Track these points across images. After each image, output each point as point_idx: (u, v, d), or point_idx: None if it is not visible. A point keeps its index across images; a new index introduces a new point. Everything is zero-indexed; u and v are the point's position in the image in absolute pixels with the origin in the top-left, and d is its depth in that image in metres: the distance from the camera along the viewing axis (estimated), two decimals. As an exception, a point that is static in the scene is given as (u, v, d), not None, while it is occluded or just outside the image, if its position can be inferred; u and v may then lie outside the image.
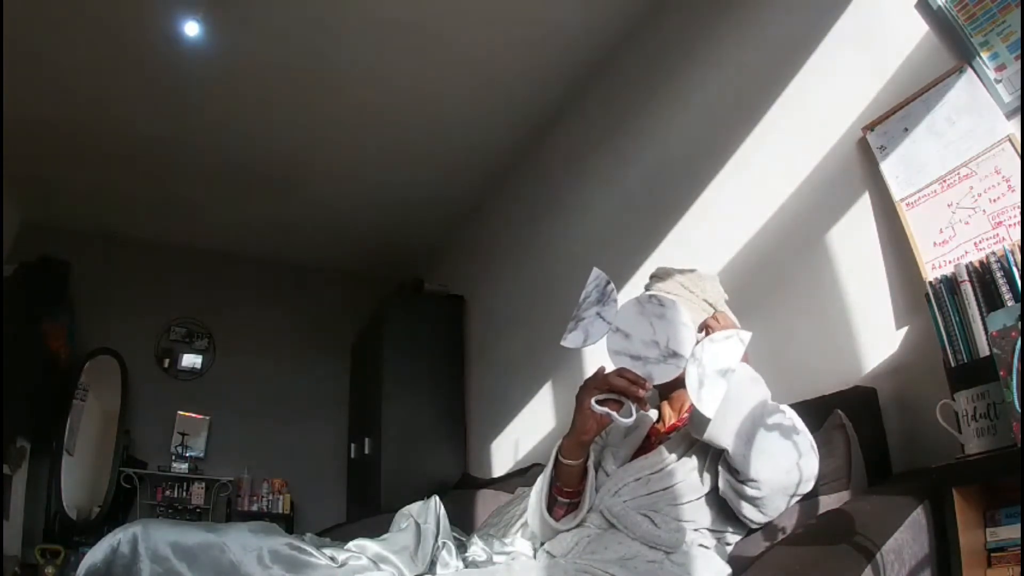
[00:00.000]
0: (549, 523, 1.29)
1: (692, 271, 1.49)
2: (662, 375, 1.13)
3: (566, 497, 1.29)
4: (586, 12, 2.85)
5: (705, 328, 1.33)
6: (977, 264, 1.31)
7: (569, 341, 1.19)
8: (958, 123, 1.55)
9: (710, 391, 1.08)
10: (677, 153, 2.54)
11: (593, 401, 1.15)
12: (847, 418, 1.37)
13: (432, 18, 2.87)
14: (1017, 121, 1.45)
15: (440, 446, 3.82)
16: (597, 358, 1.24)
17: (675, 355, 1.12)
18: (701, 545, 1.15)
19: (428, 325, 4.09)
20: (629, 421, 1.13)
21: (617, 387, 1.14)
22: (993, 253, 1.31)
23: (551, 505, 1.31)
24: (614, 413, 1.13)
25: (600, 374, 1.17)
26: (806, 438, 1.16)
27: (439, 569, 1.38)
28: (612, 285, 1.18)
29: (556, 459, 1.29)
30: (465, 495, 2.83)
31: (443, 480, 3.62)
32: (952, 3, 1.57)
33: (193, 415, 4.37)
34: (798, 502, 1.21)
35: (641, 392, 1.13)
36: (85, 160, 3.80)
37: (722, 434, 1.12)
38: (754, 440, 1.11)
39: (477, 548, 1.53)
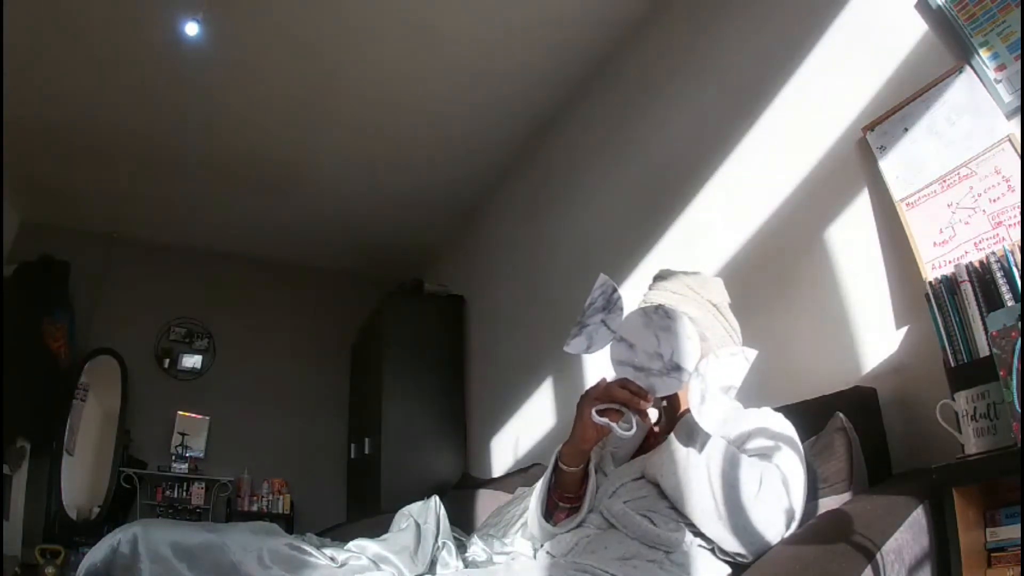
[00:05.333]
0: (547, 529, 1.29)
1: (696, 273, 1.49)
2: (664, 388, 1.12)
3: (567, 503, 1.29)
4: (586, 12, 2.85)
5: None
6: (977, 264, 1.31)
7: (572, 347, 1.18)
8: (958, 123, 1.55)
9: (712, 407, 1.08)
10: (677, 153, 2.54)
11: (594, 411, 1.14)
12: (848, 420, 1.37)
13: (432, 18, 2.87)
14: (1017, 121, 1.45)
15: (440, 446, 3.82)
16: (597, 359, 1.24)
17: (678, 369, 1.10)
18: (700, 545, 1.15)
19: (428, 325, 4.09)
20: (629, 434, 1.13)
21: (619, 398, 1.13)
22: (993, 253, 1.30)
23: (552, 511, 1.31)
24: (614, 425, 1.12)
25: (602, 384, 1.16)
26: (772, 486, 1.12)
27: (439, 569, 1.38)
28: (619, 293, 1.17)
29: (555, 465, 1.29)
30: (465, 495, 2.83)
31: (443, 480, 3.62)
32: (952, 3, 1.57)
33: (193, 415, 4.37)
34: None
35: (643, 404, 1.12)
36: (85, 160, 3.80)
37: (708, 524, 1.12)
38: (747, 525, 1.09)
39: (477, 548, 1.53)
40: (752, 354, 1.12)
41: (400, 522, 1.56)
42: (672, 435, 1.18)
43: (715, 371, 1.11)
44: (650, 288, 1.47)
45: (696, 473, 1.11)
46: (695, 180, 2.40)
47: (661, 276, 1.49)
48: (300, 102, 3.37)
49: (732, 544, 1.10)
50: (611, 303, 1.17)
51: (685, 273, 1.47)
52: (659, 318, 1.13)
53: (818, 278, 1.85)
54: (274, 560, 1.12)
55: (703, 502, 1.11)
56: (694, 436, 1.14)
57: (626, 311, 1.16)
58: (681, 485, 1.13)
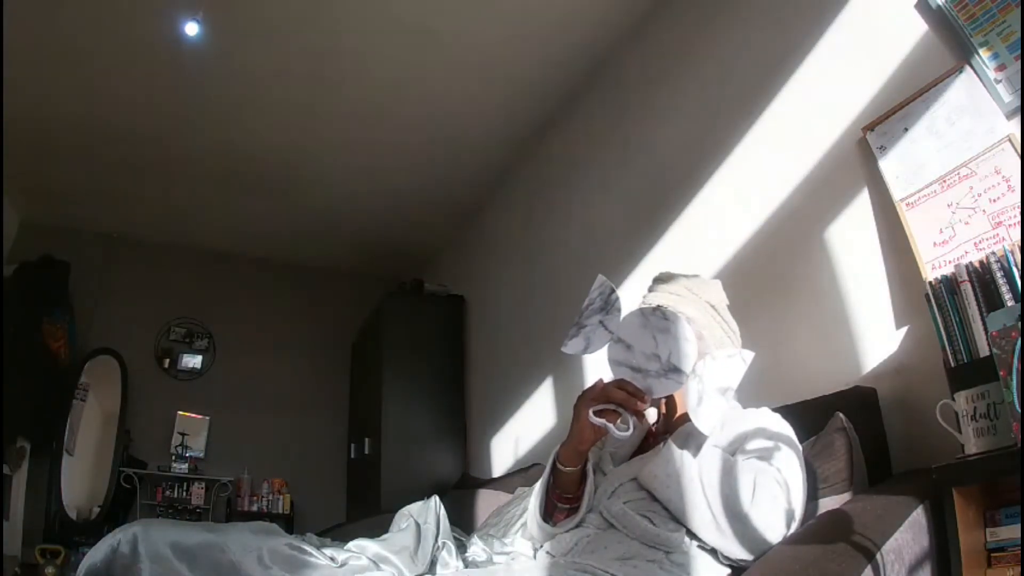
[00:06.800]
0: (547, 529, 1.29)
1: (695, 276, 1.49)
2: (662, 389, 1.12)
3: (566, 503, 1.29)
4: (586, 13, 2.85)
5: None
6: (977, 264, 1.31)
7: (570, 348, 1.18)
8: (958, 123, 1.55)
9: (709, 408, 1.08)
10: (677, 153, 2.54)
11: (591, 412, 1.14)
12: (848, 420, 1.37)
13: (432, 18, 2.87)
14: (1017, 121, 1.45)
15: (440, 446, 3.82)
16: (597, 359, 1.24)
17: (676, 370, 1.10)
18: (700, 546, 1.15)
19: (428, 325, 4.09)
20: (626, 435, 1.13)
21: (616, 399, 1.13)
22: (993, 253, 1.30)
23: (551, 511, 1.31)
24: (611, 426, 1.12)
25: (599, 385, 1.16)
26: (768, 487, 1.11)
27: (439, 569, 1.38)
28: (616, 294, 1.17)
29: (554, 465, 1.29)
30: (465, 495, 2.83)
31: (443, 480, 3.62)
32: (952, 3, 1.57)
33: (193, 415, 4.37)
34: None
35: (640, 405, 1.12)
36: (85, 160, 3.80)
37: (704, 531, 1.12)
38: (745, 529, 1.08)
39: (477, 548, 1.53)
40: (749, 356, 1.12)
41: (400, 522, 1.56)
42: (665, 445, 1.18)
43: (712, 372, 1.11)
44: (649, 290, 1.48)
45: (690, 486, 1.11)
46: (695, 180, 2.40)
47: (660, 279, 1.49)
48: (300, 102, 3.37)
49: (735, 551, 1.10)
50: (609, 304, 1.17)
51: (684, 276, 1.48)
52: (657, 319, 1.13)
53: (818, 278, 1.85)
54: (274, 560, 1.12)
55: (700, 514, 1.11)
56: (687, 448, 1.14)
57: (624, 312, 1.17)
58: (677, 499, 1.14)
